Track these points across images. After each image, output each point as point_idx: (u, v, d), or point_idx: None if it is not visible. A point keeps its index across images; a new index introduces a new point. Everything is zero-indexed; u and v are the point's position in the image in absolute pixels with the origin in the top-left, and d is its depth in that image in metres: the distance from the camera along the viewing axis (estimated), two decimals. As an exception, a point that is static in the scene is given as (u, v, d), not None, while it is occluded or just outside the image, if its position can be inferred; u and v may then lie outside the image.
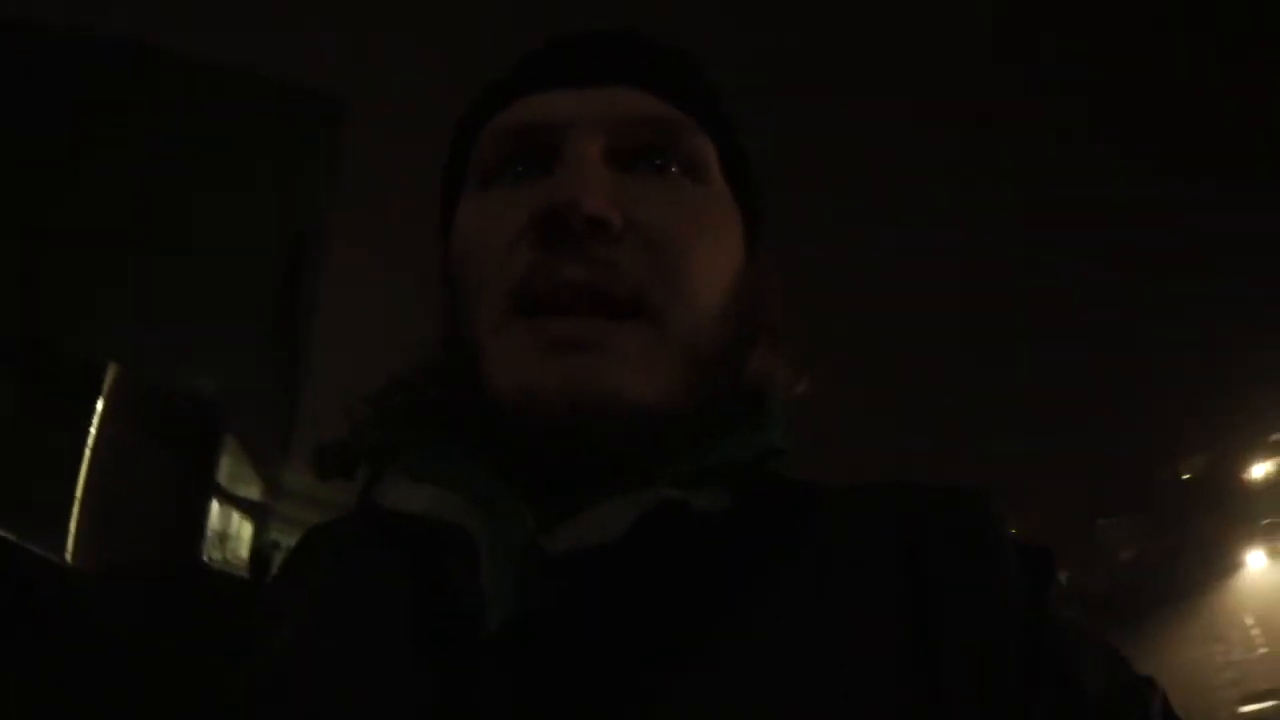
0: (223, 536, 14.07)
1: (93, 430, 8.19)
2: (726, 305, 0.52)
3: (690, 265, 0.50)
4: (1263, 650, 11.05)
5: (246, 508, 16.69)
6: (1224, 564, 21.56)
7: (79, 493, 7.86)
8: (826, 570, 0.46)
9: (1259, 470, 35.49)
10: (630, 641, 0.43)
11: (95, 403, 8.28)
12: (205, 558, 11.69)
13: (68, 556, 7.27)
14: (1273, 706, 7.80)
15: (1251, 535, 23.30)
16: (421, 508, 0.49)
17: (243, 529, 16.83)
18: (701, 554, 0.46)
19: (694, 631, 0.43)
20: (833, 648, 0.43)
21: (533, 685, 0.42)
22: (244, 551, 15.81)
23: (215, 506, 12.69)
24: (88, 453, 8.07)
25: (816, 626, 0.44)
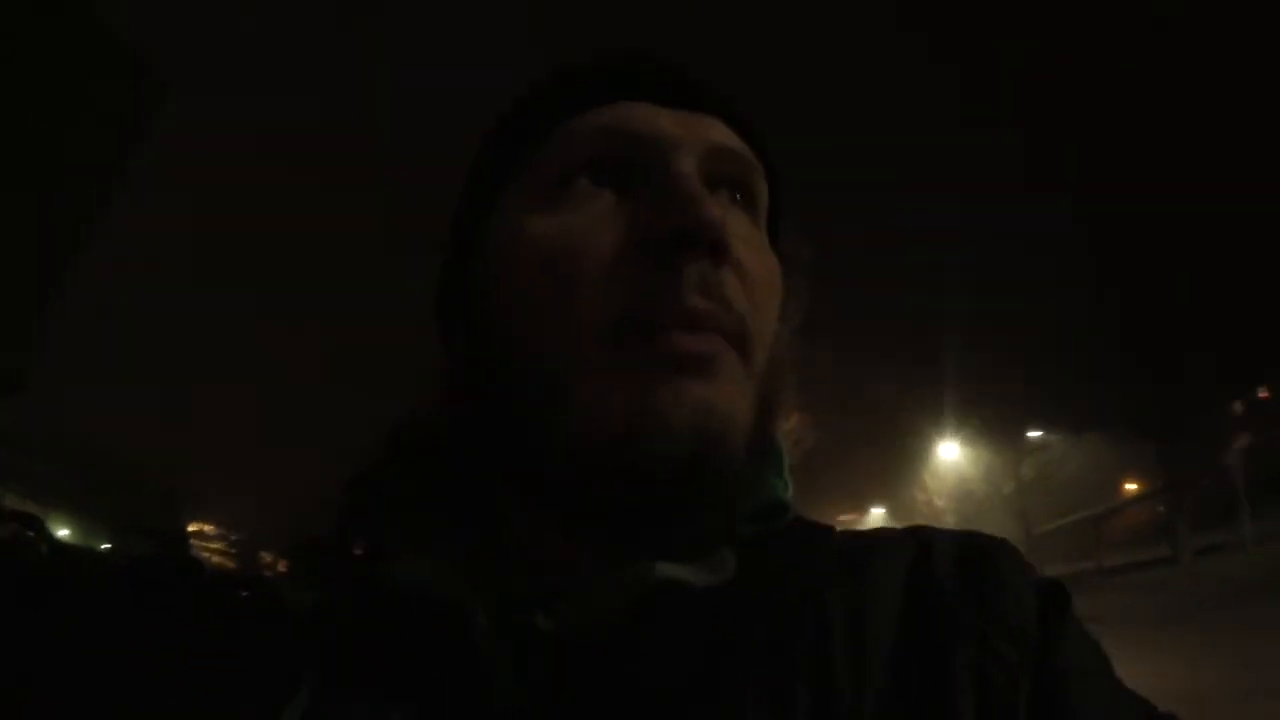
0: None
1: None
2: (774, 347, 0.52)
3: (765, 301, 0.51)
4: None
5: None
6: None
7: None
8: (826, 630, 0.45)
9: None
10: None
11: None
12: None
13: None
14: None
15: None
16: (421, 583, 0.47)
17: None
18: (701, 634, 0.45)
19: (690, 708, 0.43)
20: (832, 712, 0.42)
21: None
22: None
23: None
24: None
25: (817, 693, 0.43)
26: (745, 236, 0.51)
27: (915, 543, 0.50)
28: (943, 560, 0.49)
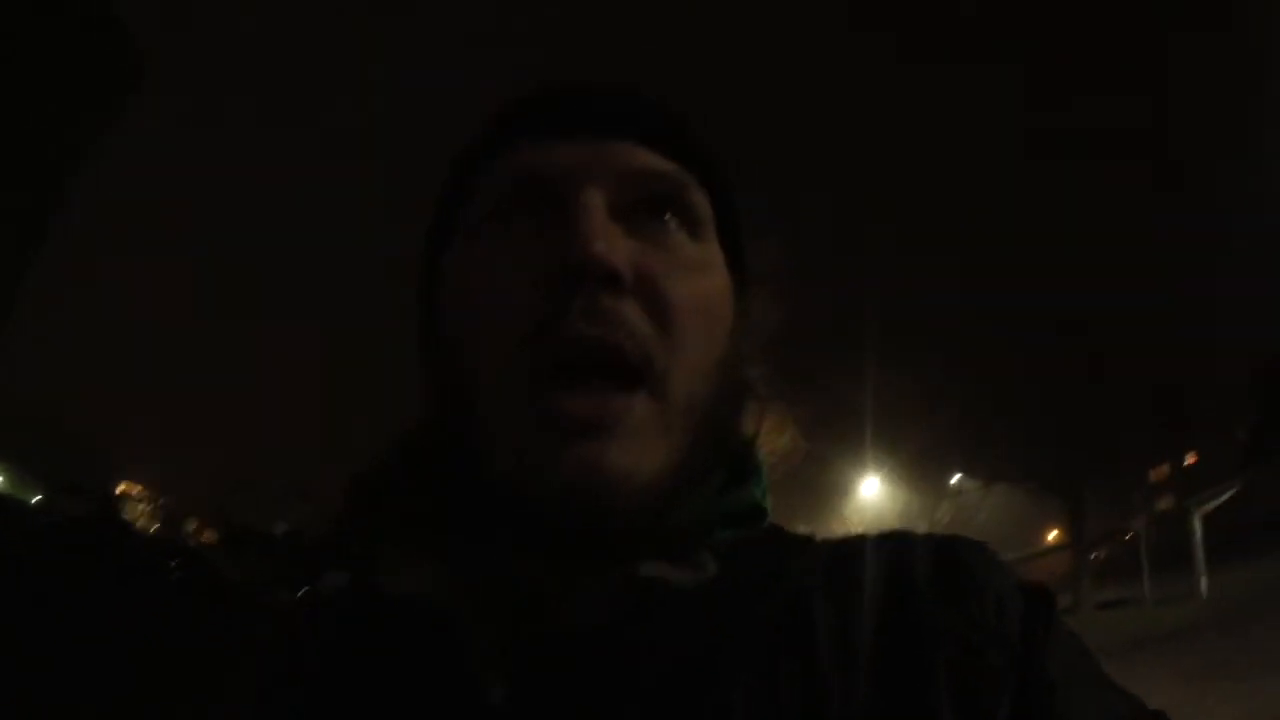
0: None
1: None
2: (719, 365, 0.52)
3: (691, 325, 0.50)
4: None
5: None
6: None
7: None
8: (811, 634, 0.46)
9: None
10: None
11: None
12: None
13: None
14: None
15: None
16: (413, 589, 0.48)
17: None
18: (687, 631, 0.46)
19: (679, 709, 0.43)
20: (819, 716, 0.43)
21: None
22: None
23: None
24: None
25: (803, 695, 0.43)
26: (663, 259, 0.51)
27: (895, 546, 0.51)
28: (923, 563, 0.49)
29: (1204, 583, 13.43)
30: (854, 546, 0.52)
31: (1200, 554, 13.75)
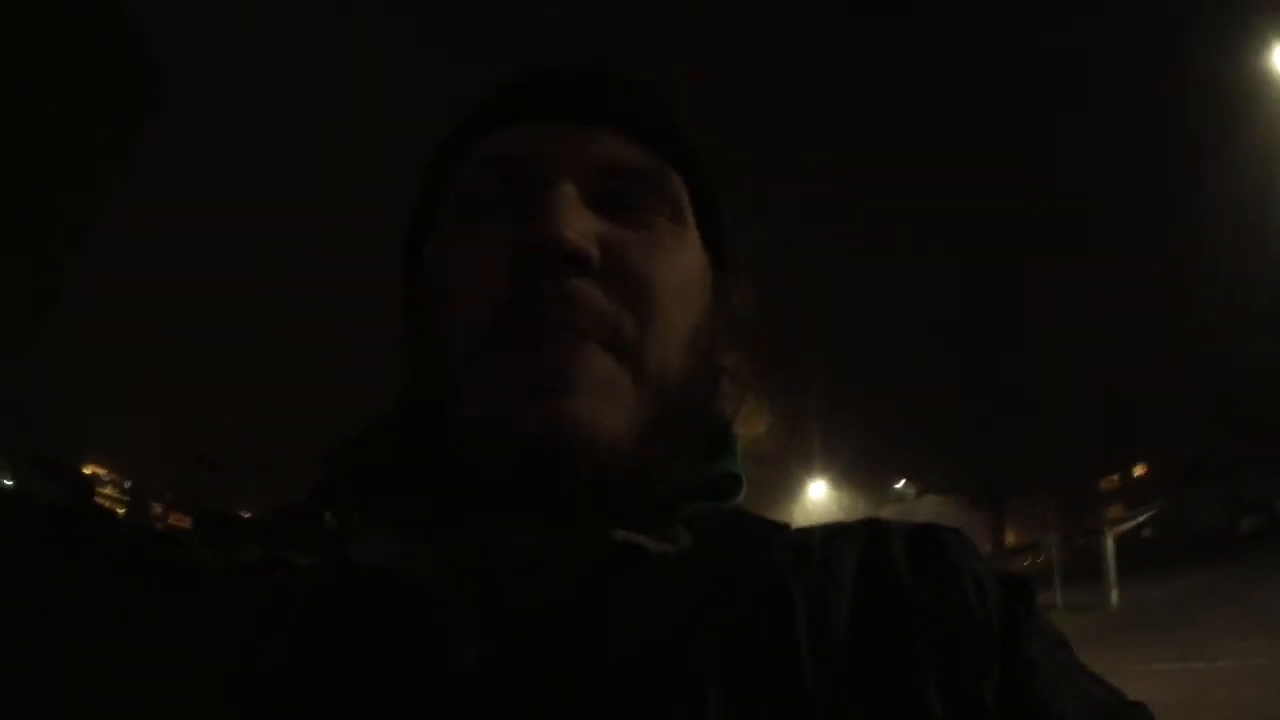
0: None
1: None
2: (694, 345, 0.52)
3: (663, 304, 0.50)
4: None
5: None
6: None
7: None
8: (788, 611, 0.45)
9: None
10: (592, 693, 0.42)
11: None
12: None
13: None
14: None
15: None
16: (384, 560, 0.47)
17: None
18: (661, 599, 0.45)
19: (653, 680, 0.42)
20: (796, 693, 0.42)
21: None
22: None
23: None
24: None
25: (780, 672, 0.43)
26: (635, 240, 0.51)
27: (870, 532, 0.51)
28: (898, 547, 0.49)
29: (1114, 594, 14.44)
30: (832, 529, 0.52)
31: (1112, 570, 14.80)
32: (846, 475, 22.93)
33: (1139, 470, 25.69)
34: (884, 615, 0.45)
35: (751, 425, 0.59)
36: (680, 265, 0.53)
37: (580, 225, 0.48)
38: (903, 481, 23.45)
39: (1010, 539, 22.65)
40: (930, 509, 21.98)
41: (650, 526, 0.48)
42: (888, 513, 22.36)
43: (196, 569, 0.55)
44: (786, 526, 0.55)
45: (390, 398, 0.56)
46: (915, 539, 0.50)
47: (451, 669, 0.43)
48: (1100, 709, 0.44)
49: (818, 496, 24.45)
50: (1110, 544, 15.42)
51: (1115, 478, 25.95)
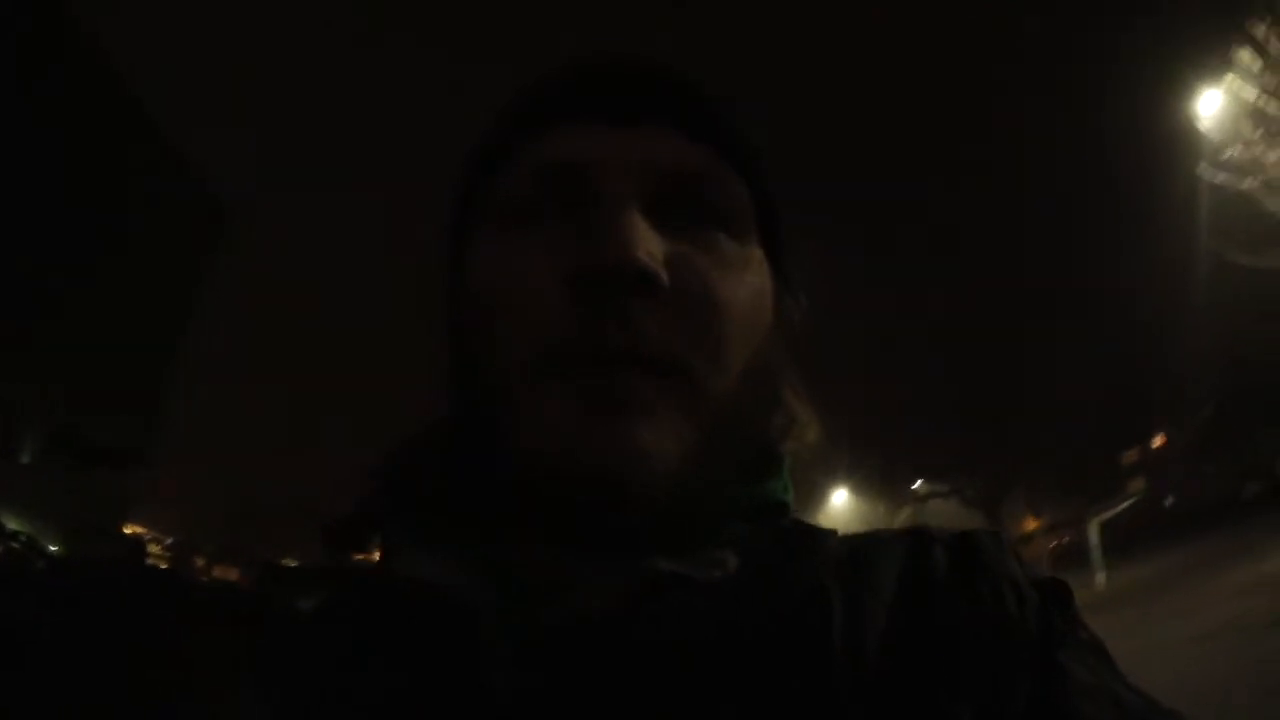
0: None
1: None
2: (756, 370, 0.51)
3: (730, 331, 0.49)
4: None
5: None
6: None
7: None
8: (826, 628, 0.44)
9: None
10: (627, 712, 0.42)
11: None
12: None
13: None
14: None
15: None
16: (424, 571, 0.46)
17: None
18: (703, 625, 0.44)
19: (689, 698, 0.42)
20: (829, 704, 0.42)
21: None
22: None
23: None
24: None
25: (814, 681, 0.43)
26: (706, 260, 0.50)
27: (912, 540, 0.51)
28: (939, 554, 0.49)
29: (1100, 577, 14.93)
30: (872, 540, 0.52)
31: (1098, 555, 15.42)
32: (867, 483, 23.33)
33: (1158, 440, 25.59)
34: (920, 624, 0.46)
35: (801, 435, 0.59)
36: (748, 286, 0.52)
37: (649, 245, 0.47)
38: (919, 482, 23.94)
39: (1030, 525, 23.16)
40: (949, 509, 22.51)
41: (695, 550, 0.48)
42: (908, 514, 22.94)
43: (239, 604, 0.50)
44: (832, 533, 0.54)
45: (436, 409, 0.56)
46: (955, 546, 0.50)
47: (486, 683, 0.43)
48: (1132, 716, 0.44)
49: (839, 504, 24.97)
50: (1095, 531, 16.06)
51: (1135, 451, 25.88)
